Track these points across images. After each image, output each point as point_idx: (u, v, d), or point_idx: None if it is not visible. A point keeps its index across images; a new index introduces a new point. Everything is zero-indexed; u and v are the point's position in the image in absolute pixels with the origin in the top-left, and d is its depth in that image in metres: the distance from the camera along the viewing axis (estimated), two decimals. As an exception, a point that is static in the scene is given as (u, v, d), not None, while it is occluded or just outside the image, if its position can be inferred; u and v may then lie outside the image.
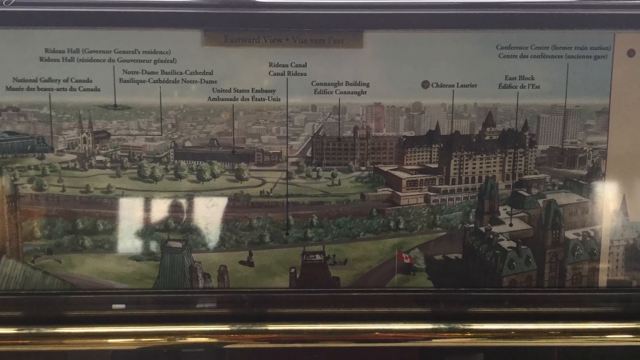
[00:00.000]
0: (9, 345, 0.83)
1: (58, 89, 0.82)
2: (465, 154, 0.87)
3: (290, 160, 0.86)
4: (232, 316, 0.85)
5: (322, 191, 0.86)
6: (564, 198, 0.87)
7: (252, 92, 0.83)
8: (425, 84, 0.83)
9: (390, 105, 0.84)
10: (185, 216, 0.86)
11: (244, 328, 0.83)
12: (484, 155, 0.87)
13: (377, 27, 0.82)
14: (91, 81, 0.82)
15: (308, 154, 0.86)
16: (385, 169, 0.87)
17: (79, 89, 0.82)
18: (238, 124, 0.84)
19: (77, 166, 0.85)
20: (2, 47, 0.81)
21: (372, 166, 0.87)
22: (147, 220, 0.85)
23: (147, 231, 0.85)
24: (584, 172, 0.87)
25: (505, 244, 0.87)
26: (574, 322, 0.85)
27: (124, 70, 0.82)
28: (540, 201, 0.87)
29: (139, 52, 0.82)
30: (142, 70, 0.82)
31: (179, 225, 0.86)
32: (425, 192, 0.87)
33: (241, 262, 0.86)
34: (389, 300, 0.86)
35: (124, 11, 0.81)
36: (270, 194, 0.86)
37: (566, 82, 0.84)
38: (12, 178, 0.84)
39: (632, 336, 0.85)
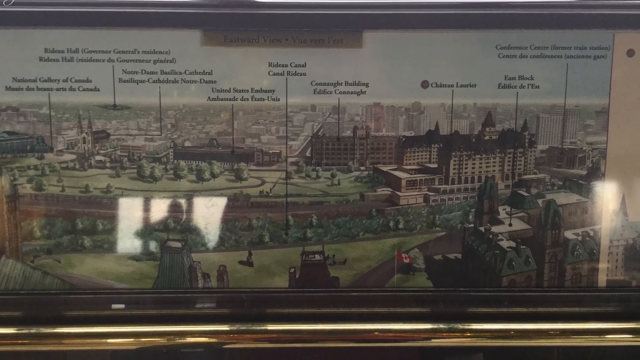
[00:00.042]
0: (8, 345, 0.83)
1: (57, 89, 0.82)
2: (464, 154, 0.87)
3: (290, 160, 0.86)
4: (232, 316, 0.85)
5: (322, 191, 0.86)
6: (563, 198, 0.87)
7: (252, 92, 0.83)
8: (424, 84, 0.83)
9: (390, 105, 0.85)
10: (184, 216, 0.86)
11: (244, 328, 0.83)
12: (484, 155, 0.87)
13: (376, 27, 0.82)
14: (91, 81, 0.82)
15: (307, 154, 0.86)
16: (385, 168, 0.87)
17: (79, 89, 0.82)
18: (237, 123, 0.84)
19: (77, 166, 0.85)
20: (2, 47, 0.81)
21: (371, 166, 0.87)
22: (146, 220, 0.85)
23: (147, 231, 0.85)
24: (584, 172, 0.87)
25: (505, 243, 0.87)
26: (574, 322, 0.85)
27: (123, 70, 0.82)
28: (540, 201, 0.87)
29: (138, 52, 0.82)
30: (142, 70, 0.82)
31: (179, 225, 0.86)
32: (425, 192, 0.87)
33: (240, 262, 0.86)
34: (388, 300, 0.86)
35: (123, 11, 0.81)
36: (270, 194, 0.86)
37: (565, 82, 0.84)
38: (12, 178, 0.84)
39: (631, 336, 0.85)
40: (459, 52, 0.83)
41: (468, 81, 0.83)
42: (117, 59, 0.82)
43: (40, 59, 0.81)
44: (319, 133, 0.85)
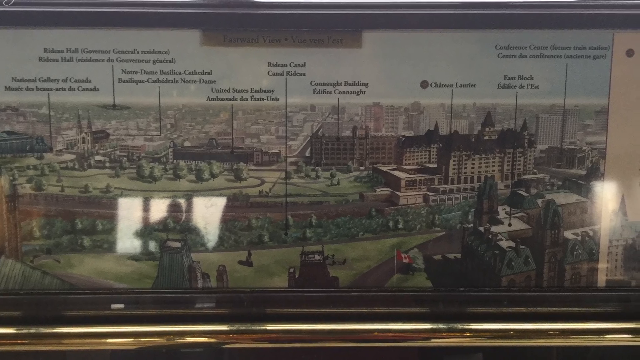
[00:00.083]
0: (8, 345, 0.83)
1: (57, 89, 0.82)
2: (464, 154, 0.87)
3: (289, 160, 0.86)
4: (231, 316, 0.85)
5: (321, 191, 0.86)
6: (562, 198, 0.87)
7: (251, 92, 0.83)
8: (424, 84, 0.83)
9: (389, 105, 0.85)
10: (184, 216, 0.86)
11: (243, 328, 0.83)
12: (483, 155, 0.87)
13: (376, 27, 0.82)
14: (90, 81, 0.82)
15: (307, 153, 0.86)
16: (384, 168, 0.87)
17: (78, 89, 0.82)
18: (237, 123, 0.84)
19: (76, 166, 0.85)
20: (1, 47, 0.81)
21: (371, 166, 0.87)
22: (146, 220, 0.85)
23: (146, 231, 0.85)
24: (583, 172, 0.87)
25: (504, 243, 0.87)
26: (573, 322, 0.85)
27: (122, 70, 0.82)
28: (539, 201, 0.87)
29: (137, 52, 0.82)
30: (141, 70, 0.82)
31: (178, 225, 0.86)
32: (424, 192, 0.87)
33: (240, 262, 0.86)
34: (387, 300, 0.86)
35: (122, 11, 0.81)
36: (269, 194, 0.86)
37: (565, 82, 0.84)
38: (11, 178, 0.84)
39: (631, 336, 0.85)
40: (458, 52, 0.83)
41: (467, 81, 0.83)
42: (116, 59, 0.82)
43: (40, 59, 0.81)
44: (319, 133, 0.85)
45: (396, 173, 0.87)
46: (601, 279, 0.88)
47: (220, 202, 0.86)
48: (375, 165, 0.87)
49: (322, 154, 0.86)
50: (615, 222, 0.87)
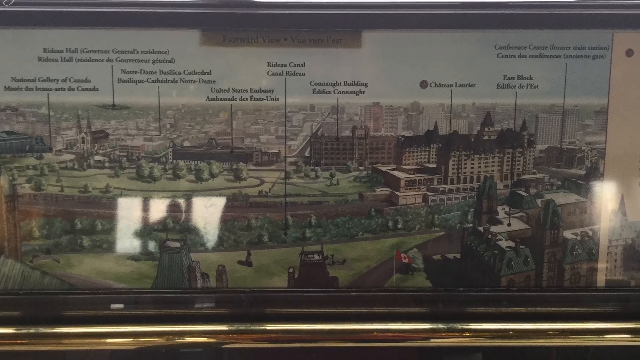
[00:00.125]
0: (7, 345, 0.83)
1: (56, 89, 0.82)
2: (463, 154, 0.87)
3: (289, 160, 0.86)
4: (231, 316, 0.85)
5: (321, 191, 0.86)
6: (562, 198, 0.87)
7: (251, 92, 0.83)
8: (423, 84, 0.83)
9: (389, 105, 0.85)
10: (183, 216, 0.86)
11: (243, 328, 0.83)
12: (483, 155, 0.87)
13: (375, 27, 0.82)
14: (89, 81, 0.82)
15: (306, 153, 0.86)
16: (384, 168, 0.87)
17: (78, 89, 0.82)
18: (236, 123, 0.84)
19: (76, 166, 0.85)
20: (1, 47, 0.81)
21: (370, 166, 0.87)
22: (145, 220, 0.85)
23: (146, 231, 0.85)
24: (583, 172, 0.87)
25: (504, 243, 0.87)
26: (573, 322, 0.85)
27: (122, 70, 0.82)
28: (539, 201, 0.87)
29: (137, 52, 0.82)
30: (141, 70, 0.82)
31: (178, 225, 0.86)
32: (424, 192, 0.87)
33: (239, 262, 0.86)
34: (387, 300, 0.86)
35: (122, 11, 0.81)
36: (269, 194, 0.86)
37: (564, 82, 0.84)
38: (11, 178, 0.84)
39: (630, 336, 0.85)
40: (457, 52, 0.83)
41: (467, 81, 0.83)
42: (116, 59, 0.82)
43: (39, 59, 0.81)
44: (318, 133, 0.85)
45: (395, 173, 0.87)
46: (600, 279, 0.88)
47: (219, 202, 0.86)
48: (374, 165, 0.87)
49: (321, 154, 0.86)
50: (615, 222, 0.87)
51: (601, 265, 0.87)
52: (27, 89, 0.82)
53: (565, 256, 0.87)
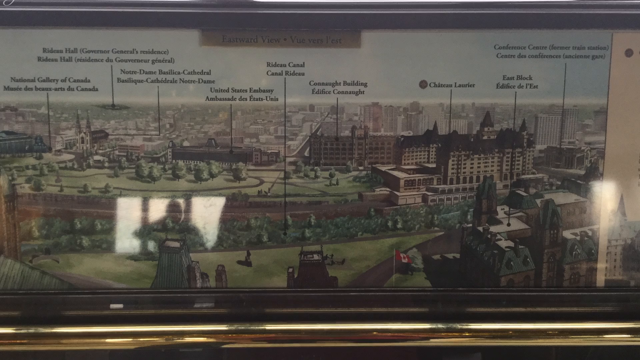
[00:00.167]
0: (6, 345, 0.83)
1: (56, 89, 0.82)
2: (463, 154, 0.87)
3: (288, 160, 0.86)
4: (230, 316, 0.85)
5: (320, 191, 0.86)
6: (561, 198, 0.87)
7: (250, 91, 0.83)
8: (423, 84, 0.83)
9: (388, 105, 0.85)
10: (183, 216, 0.86)
11: (242, 328, 0.83)
12: (482, 155, 0.87)
13: (375, 27, 0.82)
14: (89, 81, 0.82)
15: (306, 153, 0.86)
16: (383, 168, 0.87)
17: (77, 89, 0.82)
18: (236, 123, 0.84)
19: (75, 166, 0.85)
20: (0, 47, 0.81)
21: (370, 166, 0.87)
22: (144, 219, 0.85)
23: (145, 231, 0.85)
24: (582, 172, 0.87)
25: (503, 243, 0.87)
26: (572, 322, 0.85)
27: (121, 70, 0.82)
28: (538, 201, 0.87)
29: (136, 52, 0.82)
30: (140, 70, 0.82)
31: (177, 225, 0.86)
32: (423, 192, 0.87)
33: (239, 262, 0.86)
34: (386, 300, 0.86)
35: (121, 11, 0.81)
36: (268, 194, 0.86)
37: (564, 81, 0.84)
38: (10, 178, 0.84)
39: (629, 336, 0.85)
40: (457, 52, 0.83)
41: (466, 81, 0.83)
42: (115, 59, 0.82)
43: (39, 59, 0.81)
44: (318, 133, 0.85)
45: (395, 173, 0.87)
46: (600, 279, 0.88)
47: (219, 202, 0.86)
48: (374, 165, 0.87)
49: (321, 153, 0.86)
50: (614, 222, 0.87)
51: (600, 265, 0.87)
52: (26, 88, 0.82)
53: (565, 256, 0.87)
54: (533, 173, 0.87)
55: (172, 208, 0.85)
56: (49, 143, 0.84)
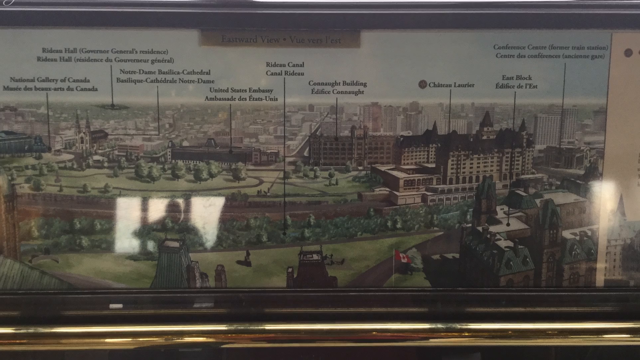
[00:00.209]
0: (6, 345, 0.83)
1: (55, 89, 0.82)
2: (462, 154, 0.87)
3: (288, 159, 0.86)
4: (230, 316, 0.85)
5: (320, 191, 0.86)
6: (561, 198, 0.87)
7: (250, 91, 0.83)
8: (422, 84, 0.83)
9: (388, 105, 0.85)
10: (182, 216, 0.86)
11: (241, 328, 0.83)
12: (481, 155, 0.87)
13: (374, 26, 0.82)
14: (88, 81, 0.82)
15: (305, 153, 0.86)
16: (383, 168, 0.87)
17: (77, 89, 0.82)
18: (235, 123, 0.84)
19: (75, 166, 0.85)
20: (0, 47, 0.81)
21: (369, 166, 0.87)
22: (144, 219, 0.85)
23: (145, 231, 0.85)
24: (582, 172, 0.87)
25: (503, 243, 0.87)
26: (572, 322, 0.85)
27: (121, 70, 0.82)
28: (538, 201, 0.87)
29: (136, 52, 0.82)
30: (140, 70, 0.82)
31: (177, 225, 0.86)
32: (423, 192, 0.87)
33: (238, 262, 0.86)
34: (386, 300, 0.86)
35: (121, 11, 0.81)
36: (268, 194, 0.86)
37: (563, 81, 0.84)
38: (10, 178, 0.84)
39: (629, 336, 0.85)
40: (456, 52, 0.83)
41: (466, 81, 0.83)
42: (115, 59, 0.82)
43: (38, 59, 0.81)
44: (317, 133, 0.85)
45: (394, 173, 0.87)
46: (599, 279, 0.88)
47: (218, 202, 0.86)
48: (373, 165, 0.87)
49: (320, 153, 0.86)
50: (614, 222, 0.87)
51: (600, 265, 0.87)
52: (26, 88, 0.82)
53: (564, 256, 0.87)
54: (532, 173, 0.87)
55: (172, 208, 0.85)
56: (49, 143, 0.84)
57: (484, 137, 0.86)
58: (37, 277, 0.85)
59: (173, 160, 0.85)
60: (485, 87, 0.84)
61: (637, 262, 0.88)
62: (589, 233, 0.87)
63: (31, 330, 0.82)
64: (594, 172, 0.86)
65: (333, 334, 0.84)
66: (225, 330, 0.84)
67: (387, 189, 0.87)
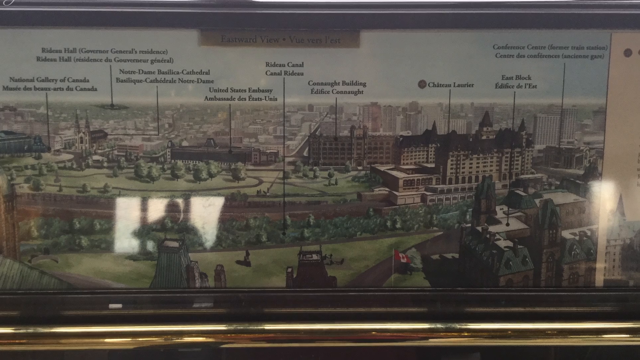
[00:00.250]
0: (6, 345, 0.83)
1: (55, 89, 0.82)
2: (462, 154, 0.87)
3: (287, 159, 0.86)
4: (229, 316, 0.85)
5: (319, 191, 0.86)
6: (560, 198, 0.87)
7: (249, 91, 0.83)
8: (422, 84, 0.83)
9: (387, 105, 0.85)
10: (182, 216, 0.86)
11: (241, 328, 0.83)
12: (481, 155, 0.87)
13: (373, 26, 0.82)
14: (88, 81, 0.82)
15: (305, 153, 0.86)
16: (382, 168, 0.87)
17: (76, 89, 0.82)
18: (235, 123, 0.84)
19: (74, 166, 0.85)
20: (-1, 47, 0.81)
21: (368, 166, 0.87)
22: (144, 219, 0.85)
23: (144, 231, 0.85)
24: (581, 172, 0.87)
25: (502, 243, 0.87)
26: (571, 322, 0.85)
27: (120, 70, 0.82)
28: (537, 201, 0.87)
29: (135, 52, 0.82)
30: (139, 70, 0.82)
31: (176, 225, 0.86)
32: (422, 192, 0.87)
33: (238, 262, 0.86)
34: (385, 300, 0.86)
35: (121, 11, 0.81)
36: (267, 194, 0.86)
37: (563, 81, 0.84)
38: (9, 178, 0.84)
39: (628, 336, 0.85)
40: (456, 52, 0.83)
41: (465, 81, 0.83)
42: (114, 59, 0.82)
43: (38, 59, 0.81)
44: (317, 133, 0.85)
45: (394, 173, 0.87)
46: (599, 279, 0.88)
47: (218, 202, 0.86)
48: (373, 165, 0.87)
49: (320, 153, 0.86)
50: (613, 222, 0.87)
51: (599, 265, 0.87)
52: (25, 88, 0.82)
53: (564, 256, 0.87)
54: (532, 173, 0.87)
55: (171, 208, 0.85)
56: (48, 143, 0.84)
57: (484, 137, 0.86)
58: (37, 277, 0.85)
59: (172, 160, 0.85)
60: (485, 87, 0.84)
61: (636, 262, 0.88)
62: (589, 233, 0.87)
63: (31, 330, 0.82)
64: (593, 172, 0.86)
65: (332, 334, 0.84)
66: (224, 330, 0.84)
67: (387, 189, 0.87)
